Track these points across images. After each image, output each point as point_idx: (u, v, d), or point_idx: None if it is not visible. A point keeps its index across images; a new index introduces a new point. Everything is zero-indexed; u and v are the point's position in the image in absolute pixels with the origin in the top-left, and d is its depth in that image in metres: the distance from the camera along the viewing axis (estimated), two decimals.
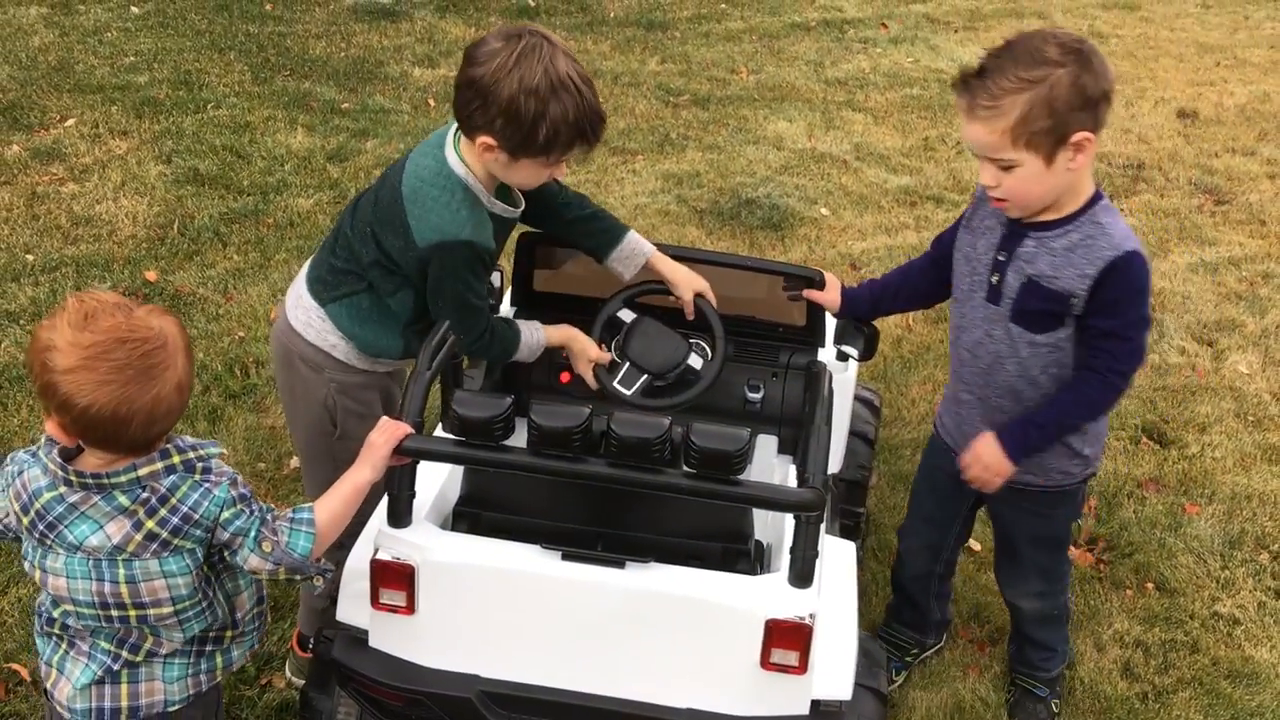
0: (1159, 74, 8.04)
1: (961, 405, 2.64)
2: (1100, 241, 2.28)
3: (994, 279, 2.43)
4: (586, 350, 2.69)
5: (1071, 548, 3.23)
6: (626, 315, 2.72)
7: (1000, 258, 2.42)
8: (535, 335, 2.64)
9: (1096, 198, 2.33)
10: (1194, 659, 3.15)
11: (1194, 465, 3.92)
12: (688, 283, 2.73)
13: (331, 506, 2.08)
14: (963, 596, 3.32)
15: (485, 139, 2.26)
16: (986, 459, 2.48)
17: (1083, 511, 2.75)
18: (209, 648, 2.11)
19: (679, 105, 6.95)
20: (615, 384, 2.66)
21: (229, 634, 2.13)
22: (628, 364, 2.67)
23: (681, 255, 2.81)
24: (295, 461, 3.61)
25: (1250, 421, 4.18)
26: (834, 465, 2.97)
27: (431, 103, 6.69)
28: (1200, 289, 5.09)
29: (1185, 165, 6.44)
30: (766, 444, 2.91)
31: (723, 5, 8.96)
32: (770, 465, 2.90)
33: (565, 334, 2.70)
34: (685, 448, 2.03)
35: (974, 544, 3.51)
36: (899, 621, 3.08)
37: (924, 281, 2.74)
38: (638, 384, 2.67)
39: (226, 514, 1.95)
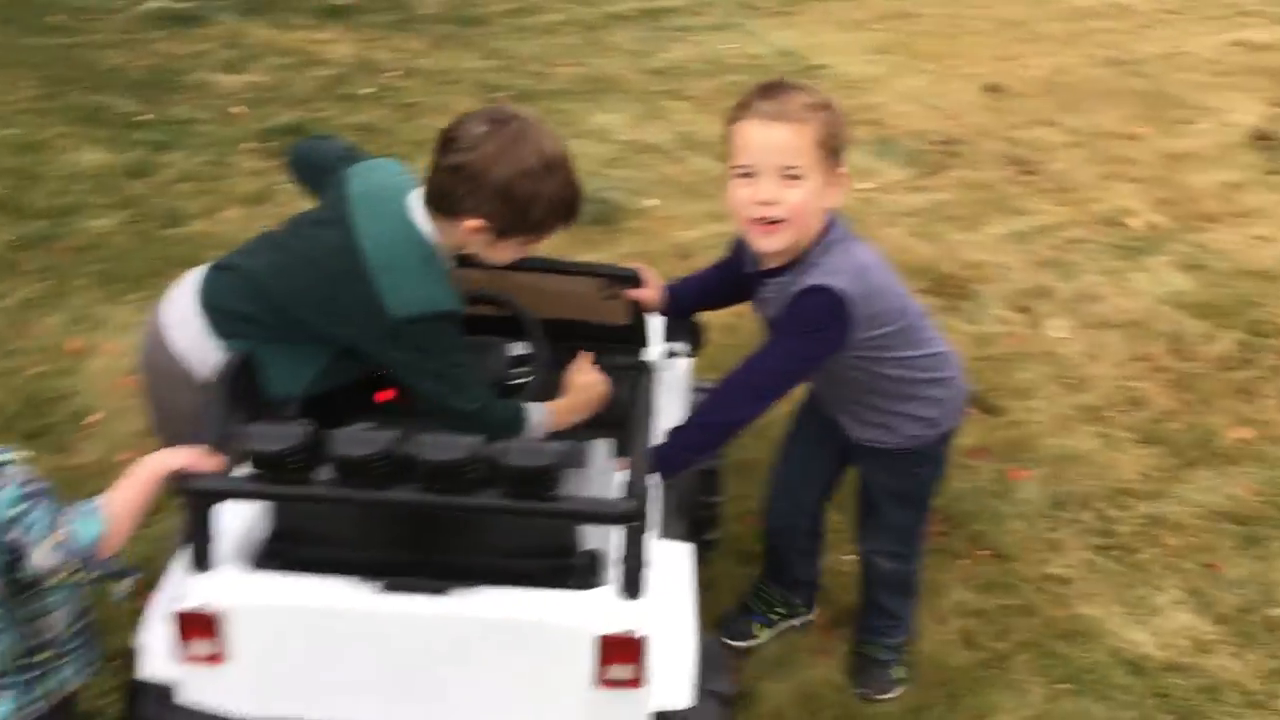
0: (965, 50, 8.30)
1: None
2: (804, 278, 2.32)
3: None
4: (593, 395, 2.62)
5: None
6: (517, 348, 2.65)
7: (755, 293, 2.51)
8: (540, 414, 2.53)
9: (829, 235, 2.36)
10: (1029, 622, 3.23)
11: (1019, 431, 4.03)
12: None
13: (124, 494, 1.99)
14: None
15: (474, 221, 2.28)
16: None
17: (944, 470, 2.83)
18: (35, 672, 2.04)
19: (499, 101, 6.82)
20: None
21: (48, 654, 2.06)
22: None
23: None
24: None
25: (1068, 384, 4.32)
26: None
27: (238, 110, 6.40)
28: (1014, 258, 5.25)
29: (994, 138, 6.65)
30: (601, 448, 2.84)
31: None
32: (607, 469, 2.84)
33: (570, 402, 2.59)
34: (497, 466, 1.94)
35: None
36: (768, 577, 3.12)
37: (738, 277, 2.71)
38: None
39: (12, 512, 1.90)
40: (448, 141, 2.27)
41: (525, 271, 2.73)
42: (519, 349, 2.66)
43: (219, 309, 2.45)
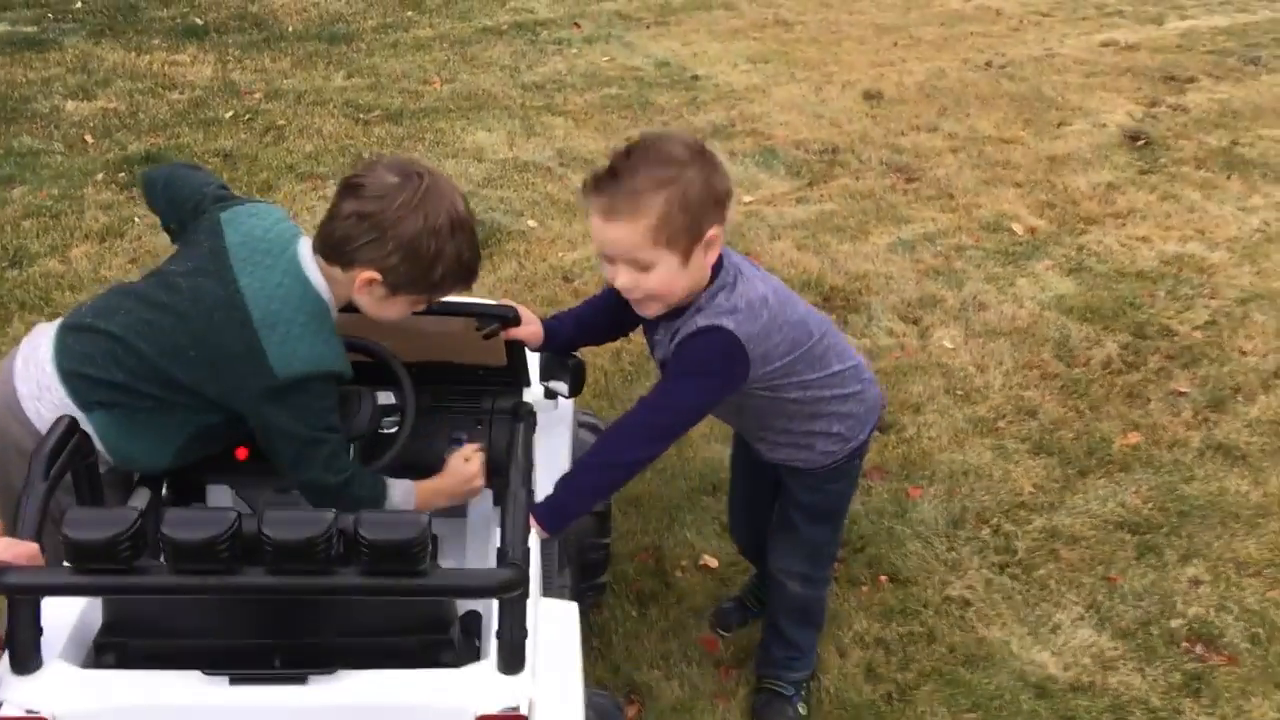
0: (843, 57, 8.31)
1: None
2: (693, 320, 2.26)
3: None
4: (468, 483, 2.44)
5: None
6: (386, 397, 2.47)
7: (648, 335, 2.46)
8: (404, 491, 2.34)
9: (717, 279, 2.28)
10: (932, 649, 3.14)
11: (912, 447, 3.96)
12: None
13: None
14: (709, 621, 3.19)
15: (370, 274, 2.17)
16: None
17: (857, 483, 2.83)
18: None
19: (370, 122, 6.58)
20: None
21: None
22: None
23: None
24: None
25: (959, 396, 4.27)
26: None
27: (89, 139, 6.04)
28: (901, 268, 5.21)
29: (875, 146, 6.64)
30: (482, 498, 2.67)
31: (409, 13, 8.62)
32: (488, 518, 2.66)
33: (439, 483, 2.42)
34: (356, 541, 1.75)
35: (711, 561, 3.40)
36: (756, 581, 3.19)
37: (616, 314, 2.56)
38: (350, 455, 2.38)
39: None
40: (352, 187, 2.17)
41: None
42: (387, 398, 2.46)
43: (81, 375, 2.20)
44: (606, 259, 2.25)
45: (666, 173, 2.14)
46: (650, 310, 2.31)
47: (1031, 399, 4.27)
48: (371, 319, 2.31)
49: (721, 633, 3.17)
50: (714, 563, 3.40)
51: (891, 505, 3.68)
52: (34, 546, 1.84)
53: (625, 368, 4.33)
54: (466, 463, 2.44)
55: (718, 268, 2.30)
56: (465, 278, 2.27)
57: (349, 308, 2.31)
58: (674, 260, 2.18)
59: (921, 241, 5.48)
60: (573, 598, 2.73)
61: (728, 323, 2.24)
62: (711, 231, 2.19)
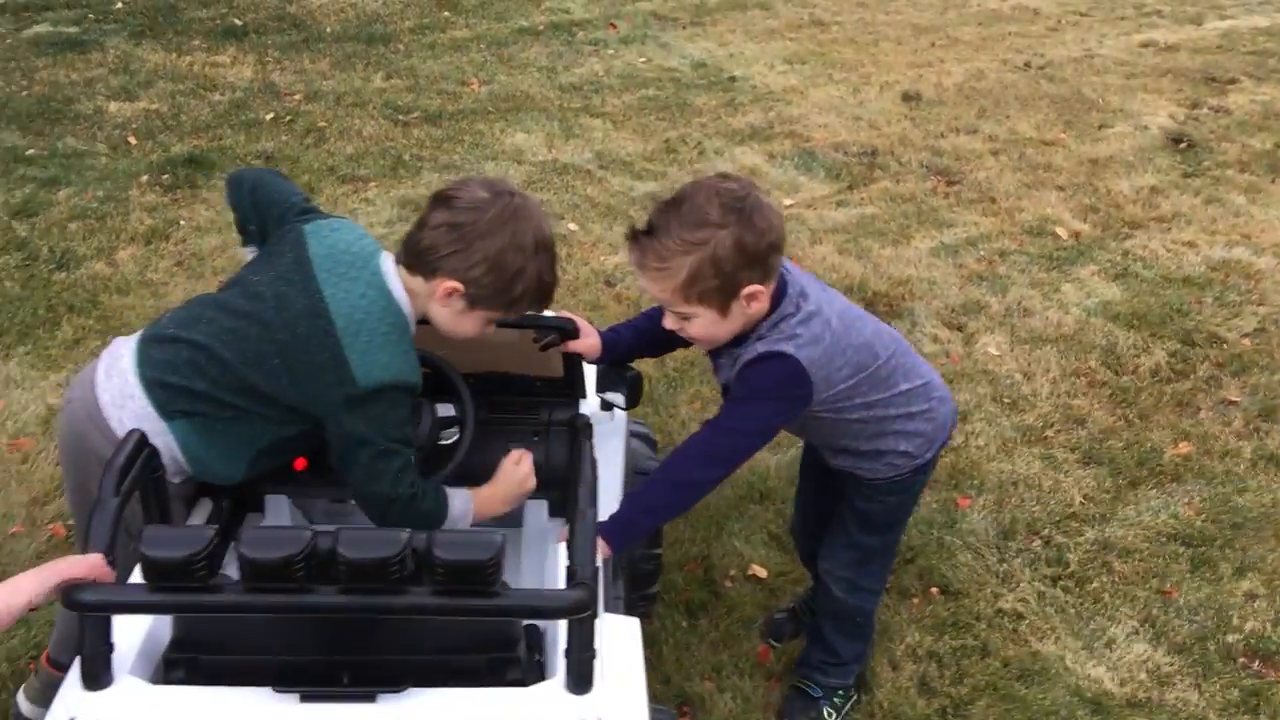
0: (880, 58, 8.26)
1: None
2: (754, 346, 2.30)
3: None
4: (520, 487, 2.46)
5: None
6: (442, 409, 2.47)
7: (712, 359, 2.48)
8: (464, 501, 2.36)
9: (780, 306, 2.30)
10: (985, 663, 3.11)
11: (960, 457, 3.93)
12: None
13: (8, 594, 1.72)
14: (760, 631, 3.18)
15: (452, 284, 2.20)
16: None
17: (918, 499, 2.86)
18: None
19: (409, 124, 6.59)
20: None
21: None
22: None
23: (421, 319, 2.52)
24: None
25: (1006, 404, 4.24)
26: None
27: (132, 140, 6.08)
28: (944, 273, 5.17)
29: (915, 148, 6.59)
30: (537, 509, 2.67)
31: (446, 14, 8.62)
32: (543, 531, 2.66)
33: (493, 491, 2.43)
34: (429, 562, 1.75)
35: (760, 571, 3.38)
36: (810, 591, 3.12)
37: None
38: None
39: None
40: (444, 199, 2.24)
41: None
42: (446, 409, 2.46)
43: (164, 384, 2.23)
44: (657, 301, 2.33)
45: (696, 235, 2.16)
46: (703, 347, 2.38)
47: (1080, 407, 4.23)
48: (444, 333, 2.32)
49: (773, 642, 3.16)
50: (763, 572, 3.38)
51: (941, 515, 3.65)
52: (99, 558, 1.84)
53: (670, 374, 4.32)
54: (518, 465, 2.46)
55: (780, 293, 2.31)
56: (543, 298, 2.31)
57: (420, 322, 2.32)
58: (711, 314, 2.24)
59: (964, 246, 5.44)
60: (625, 609, 2.73)
61: (789, 348, 2.26)
62: (749, 289, 2.21)
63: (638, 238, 2.24)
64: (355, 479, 2.22)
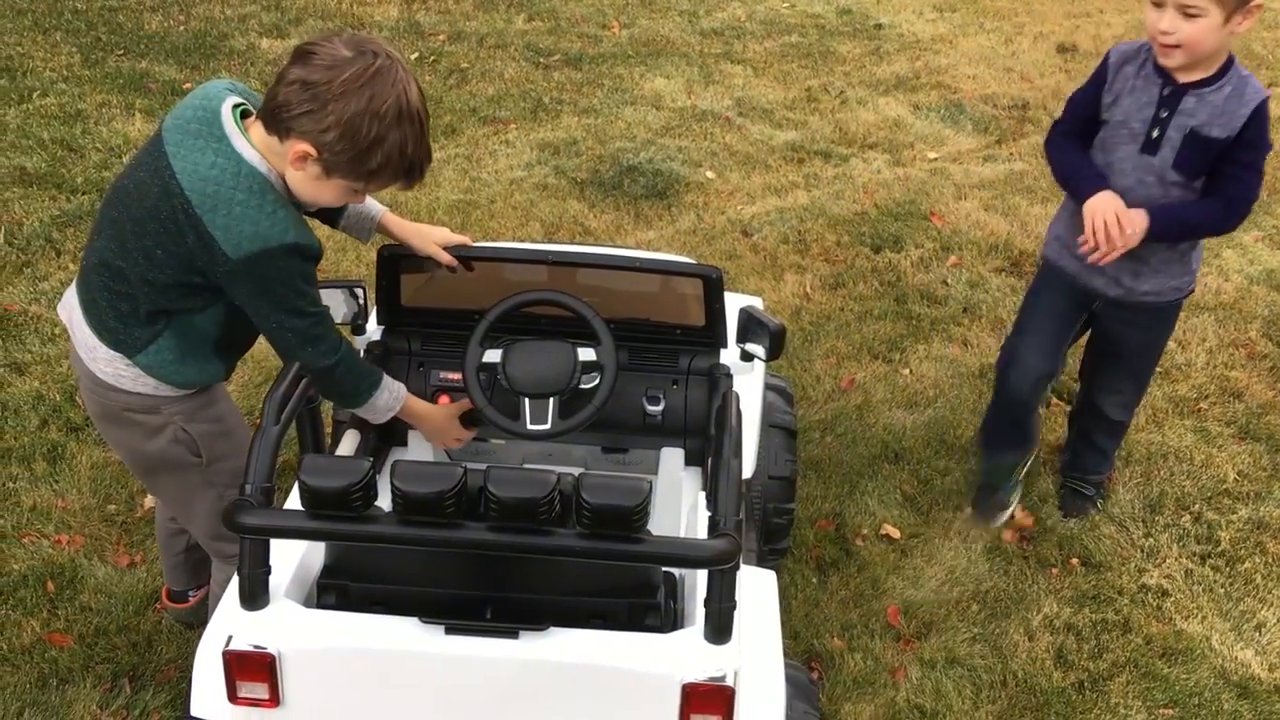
0: (1035, 7, 7.93)
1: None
2: (1248, 91, 2.72)
3: (1153, 133, 2.78)
4: (445, 432, 2.50)
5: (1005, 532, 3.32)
6: (493, 355, 2.43)
7: (1161, 114, 2.77)
8: (394, 394, 2.36)
9: (1232, 57, 2.75)
10: (1127, 639, 3.02)
11: None
12: (424, 236, 2.48)
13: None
14: (890, 591, 3.13)
15: (304, 146, 2.02)
16: (1135, 220, 2.74)
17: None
18: None
19: (550, 66, 6.58)
20: (529, 426, 2.40)
21: None
22: (526, 399, 2.39)
23: (565, 261, 2.52)
24: (150, 501, 3.24)
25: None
26: (747, 470, 2.73)
27: None
28: None
29: None
30: (672, 456, 2.66)
31: None
32: (678, 480, 2.66)
33: (425, 410, 2.46)
34: (577, 504, 1.76)
35: (893, 531, 3.33)
36: (1003, 446, 3.30)
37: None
38: (550, 411, 2.40)
39: None
40: (303, 54, 2.03)
41: (599, 269, 2.55)
42: (588, 354, 2.46)
43: (103, 322, 2.21)
44: (1155, 3, 2.65)
45: None
46: (1173, 59, 2.69)
47: (1237, 379, 4.04)
48: (302, 201, 2.16)
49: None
50: (896, 533, 3.33)
51: None
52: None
53: (805, 327, 4.26)
54: (453, 417, 2.49)
55: (1231, 58, 2.73)
56: (406, 174, 2.11)
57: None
58: (1219, 17, 2.58)
59: None
60: (756, 562, 2.72)
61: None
62: (1254, 4, 2.60)
63: None
64: (277, 350, 2.18)
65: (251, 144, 2.07)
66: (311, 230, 2.15)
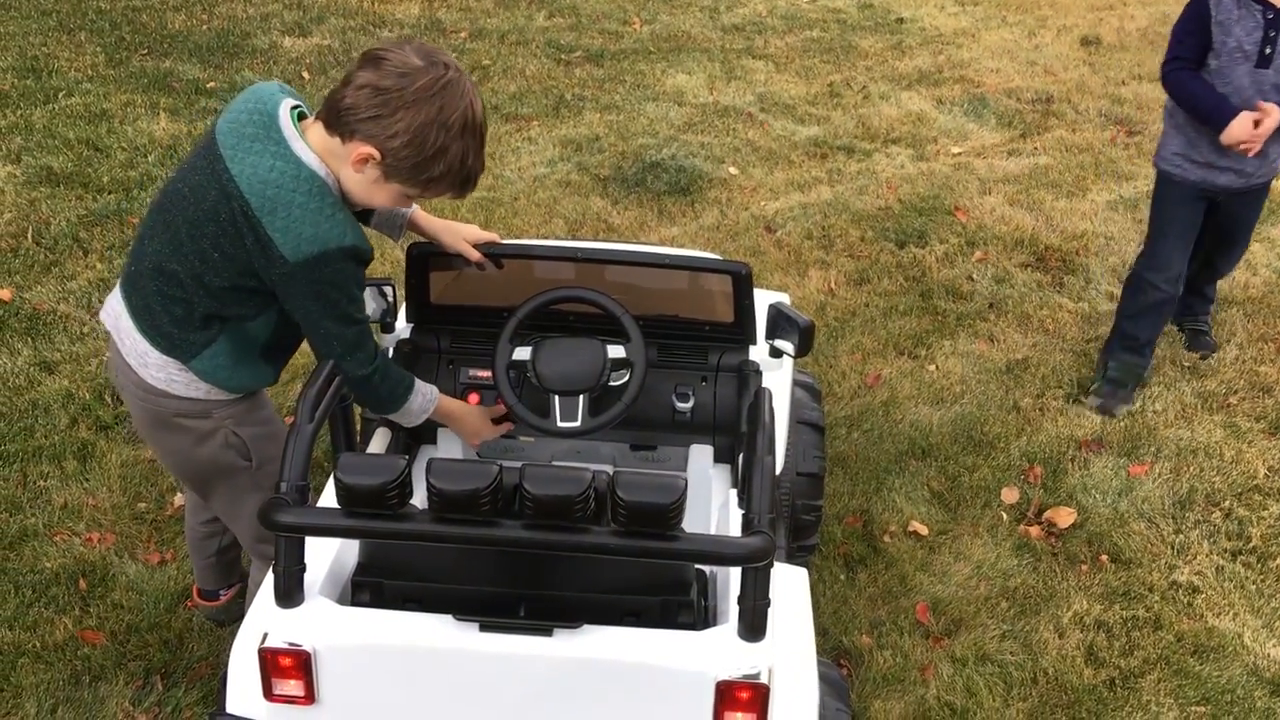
0: (1058, 0, 7.88)
1: (1221, 155, 3.49)
2: None
3: (1266, 50, 3.34)
4: (480, 432, 2.51)
5: (1023, 526, 3.28)
6: (523, 353, 2.43)
7: (1270, 34, 3.31)
8: (427, 398, 2.36)
9: None
10: (1158, 636, 3.00)
11: (1135, 421, 3.77)
12: (454, 232, 2.49)
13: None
14: (918, 588, 3.12)
15: (367, 149, 2.03)
16: (1275, 111, 3.31)
17: None
18: None
19: (572, 63, 6.59)
20: (560, 423, 2.40)
21: None
22: (556, 396, 2.39)
23: (594, 258, 2.52)
24: (180, 499, 3.26)
25: (1186, 368, 4.04)
26: (777, 467, 2.72)
27: (306, 75, 6.24)
28: (1121, 228, 4.95)
29: (1094, 96, 6.29)
30: (701, 453, 2.66)
31: None
32: (707, 476, 2.65)
33: (459, 410, 2.47)
34: (612, 502, 1.76)
35: (921, 528, 3.32)
36: (1129, 352, 3.86)
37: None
38: (580, 408, 2.40)
39: None
40: (374, 59, 2.04)
41: (628, 265, 2.55)
42: (617, 351, 2.47)
43: (157, 327, 2.21)
44: None
45: None
46: None
47: (1267, 375, 4.01)
48: (353, 200, 2.17)
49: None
50: (924, 529, 3.32)
51: (1113, 481, 3.51)
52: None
53: (830, 323, 4.25)
54: (489, 416, 2.51)
55: None
56: (462, 184, 2.14)
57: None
58: None
59: (1145, 200, 5.16)
60: (786, 559, 2.71)
61: None
62: None
63: None
64: (321, 356, 2.19)
65: (309, 146, 2.08)
66: (364, 233, 2.16)
